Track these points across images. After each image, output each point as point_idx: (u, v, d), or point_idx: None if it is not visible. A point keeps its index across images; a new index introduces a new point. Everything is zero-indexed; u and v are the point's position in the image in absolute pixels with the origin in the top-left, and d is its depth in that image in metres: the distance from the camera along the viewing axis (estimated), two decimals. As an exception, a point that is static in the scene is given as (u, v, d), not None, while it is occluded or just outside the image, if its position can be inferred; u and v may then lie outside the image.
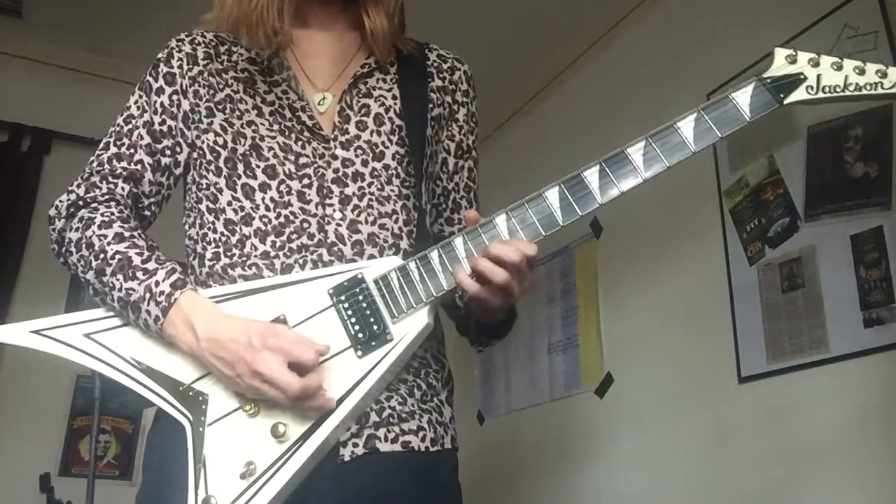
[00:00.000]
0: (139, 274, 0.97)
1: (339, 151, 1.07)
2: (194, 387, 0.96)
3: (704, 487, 2.19)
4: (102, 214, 1.02)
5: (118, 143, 1.09)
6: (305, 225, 1.03)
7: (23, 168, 2.98)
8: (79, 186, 1.07)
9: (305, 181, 1.05)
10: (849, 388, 1.85)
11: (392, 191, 1.08)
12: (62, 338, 1.00)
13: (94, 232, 1.00)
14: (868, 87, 0.95)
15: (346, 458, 0.96)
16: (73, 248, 1.02)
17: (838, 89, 0.95)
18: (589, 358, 2.78)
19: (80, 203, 1.05)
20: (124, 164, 1.08)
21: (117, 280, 0.97)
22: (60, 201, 1.06)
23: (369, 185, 1.07)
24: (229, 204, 1.05)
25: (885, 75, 0.95)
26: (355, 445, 0.96)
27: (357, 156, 1.08)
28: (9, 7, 2.95)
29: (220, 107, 1.09)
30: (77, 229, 1.02)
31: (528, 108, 3.45)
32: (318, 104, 1.11)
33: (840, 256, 1.92)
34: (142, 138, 1.09)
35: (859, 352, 1.83)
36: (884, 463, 1.73)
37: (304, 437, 0.92)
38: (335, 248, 1.02)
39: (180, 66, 1.11)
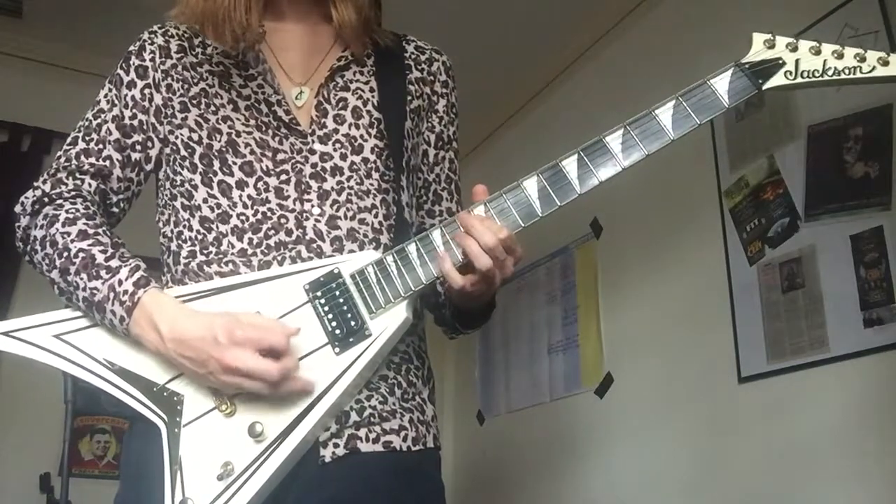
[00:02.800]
0: (102, 272, 0.94)
1: (316, 146, 1.05)
2: (169, 387, 0.94)
3: (704, 487, 2.19)
4: (67, 211, 1.00)
5: (86, 138, 1.07)
6: (283, 221, 1.01)
7: (23, 168, 2.97)
8: (45, 182, 1.03)
9: (283, 177, 1.03)
10: (849, 388, 1.85)
11: (371, 185, 1.06)
12: (32, 339, 0.97)
13: (57, 229, 0.98)
14: (847, 72, 0.94)
15: (327, 459, 0.94)
16: (37, 245, 1.00)
17: (817, 74, 0.95)
18: (589, 358, 2.78)
19: (46, 200, 1.02)
20: (92, 159, 1.05)
21: (81, 279, 0.95)
22: (26, 198, 1.04)
23: (348, 179, 1.05)
24: (205, 201, 1.03)
25: (863, 59, 0.94)
26: (336, 446, 0.95)
27: (335, 150, 1.06)
28: (9, 7, 2.95)
29: (194, 102, 1.06)
30: (41, 227, 1.00)
31: (526, 109, 3.45)
32: (296, 98, 1.09)
33: (840, 256, 1.92)
34: (110, 133, 1.07)
35: (859, 352, 1.83)
36: (884, 463, 1.73)
37: (283, 435, 0.90)
38: (314, 245, 1.01)
39: (152, 59, 1.09)
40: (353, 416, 0.97)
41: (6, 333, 0.97)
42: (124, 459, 1.06)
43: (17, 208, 1.05)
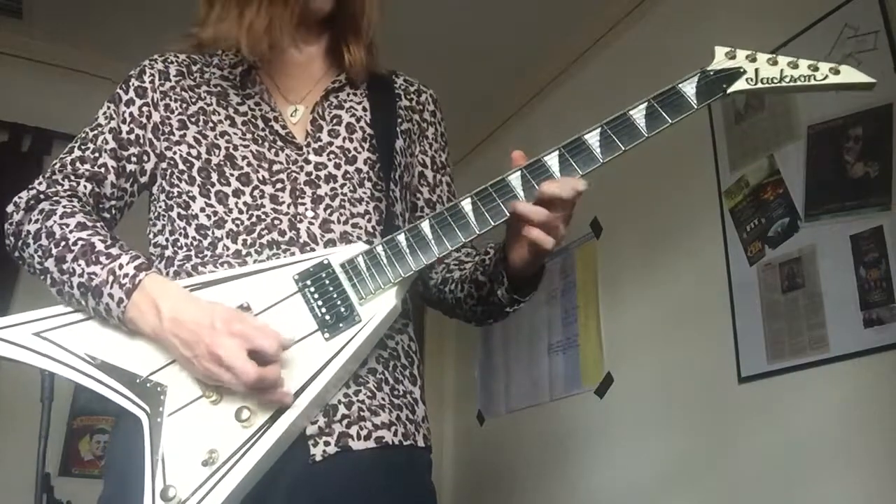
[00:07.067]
0: (102, 258, 0.96)
1: (311, 157, 1.09)
2: (152, 378, 0.94)
3: (704, 487, 2.19)
4: (64, 206, 1.02)
5: (83, 147, 1.10)
6: (276, 222, 1.04)
7: (23, 168, 2.97)
8: (40, 184, 1.06)
9: (279, 185, 1.07)
10: (849, 388, 1.85)
11: (364, 193, 1.10)
12: (10, 338, 0.96)
13: (55, 221, 1.00)
14: (802, 80, 1.03)
15: (318, 458, 0.95)
16: (30, 239, 1.01)
17: (775, 80, 1.04)
18: (589, 358, 2.78)
19: (42, 196, 1.04)
20: (87, 165, 1.09)
21: (79, 265, 0.96)
22: (20, 197, 1.06)
23: (342, 186, 1.09)
24: (202, 210, 1.05)
25: (816, 69, 1.02)
26: (326, 444, 0.95)
27: (330, 160, 1.10)
28: (9, 7, 2.95)
29: (193, 119, 1.10)
30: (37, 221, 1.02)
31: (525, 110, 3.45)
32: (291, 115, 1.14)
33: (840, 256, 1.92)
34: (107, 143, 1.10)
35: (859, 352, 1.83)
36: (884, 463, 1.73)
37: (270, 421, 0.90)
38: (308, 248, 1.03)
39: (152, 82, 1.13)
40: (342, 410, 0.97)
41: None
42: (108, 458, 1.06)
43: (10, 207, 1.06)
